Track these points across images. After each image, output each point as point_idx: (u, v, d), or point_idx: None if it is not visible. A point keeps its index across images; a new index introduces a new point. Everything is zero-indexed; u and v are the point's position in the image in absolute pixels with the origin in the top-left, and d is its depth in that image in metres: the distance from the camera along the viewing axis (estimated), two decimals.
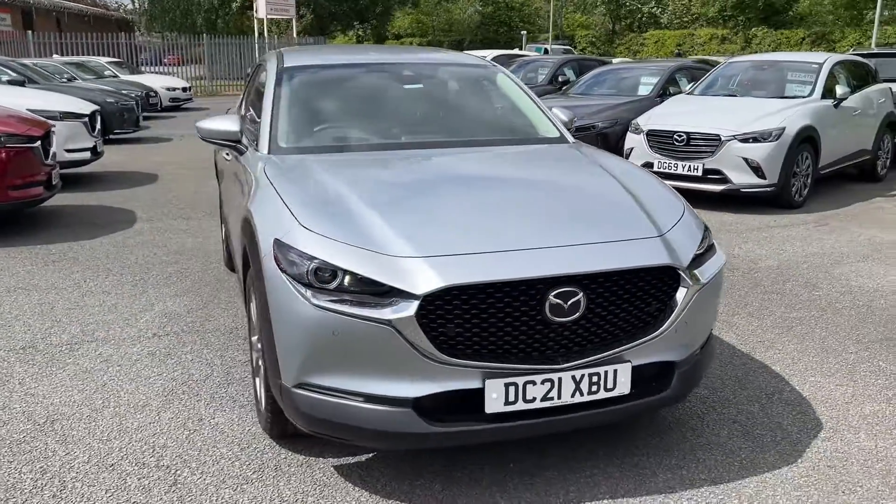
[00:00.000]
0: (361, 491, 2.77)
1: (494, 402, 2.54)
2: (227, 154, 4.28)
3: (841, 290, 5.17)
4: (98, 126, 9.37)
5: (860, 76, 9.30)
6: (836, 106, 8.36)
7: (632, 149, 8.28)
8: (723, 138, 7.58)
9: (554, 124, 4.12)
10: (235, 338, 4.24)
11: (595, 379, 2.62)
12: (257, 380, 3.22)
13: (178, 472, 2.89)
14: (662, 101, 9.45)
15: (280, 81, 3.92)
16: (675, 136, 7.86)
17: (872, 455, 3.05)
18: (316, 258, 2.56)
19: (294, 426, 2.86)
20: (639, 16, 47.86)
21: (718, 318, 4.27)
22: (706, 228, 3.07)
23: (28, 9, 34.58)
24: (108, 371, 3.80)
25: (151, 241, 6.46)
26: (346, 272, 2.53)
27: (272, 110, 3.73)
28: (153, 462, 2.95)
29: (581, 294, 2.54)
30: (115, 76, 18.67)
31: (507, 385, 2.54)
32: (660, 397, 2.82)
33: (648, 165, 7.93)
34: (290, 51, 4.51)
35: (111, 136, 11.99)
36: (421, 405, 2.53)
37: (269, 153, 3.52)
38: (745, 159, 7.52)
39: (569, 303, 2.53)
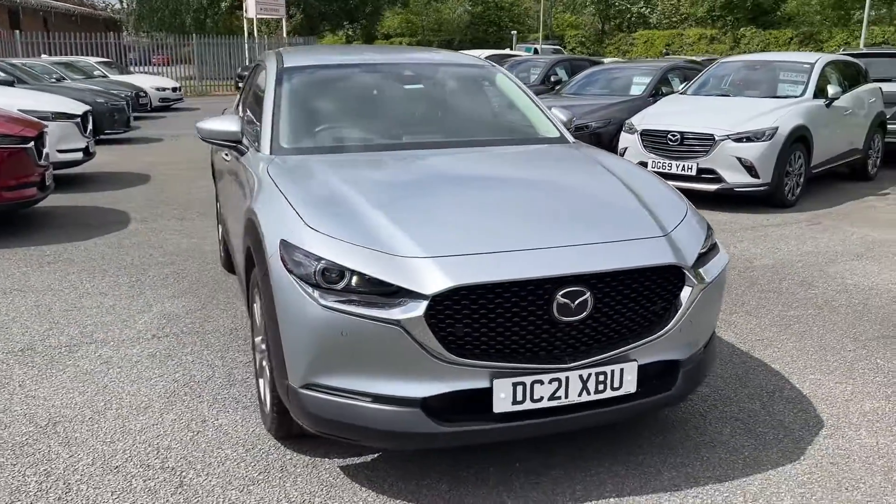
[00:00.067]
0: (368, 491, 2.77)
1: (502, 401, 2.55)
2: (227, 154, 4.26)
3: (836, 288, 5.21)
4: (90, 126, 9.32)
5: (851, 76, 9.37)
6: (827, 106, 8.42)
7: (626, 148, 8.31)
8: (716, 138, 7.63)
9: (554, 124, 4.13)
10: (235, 339, 4.23)
11: (602, 378, 2.64)
12: (261, 381, 3.21)
13: (184, 473, 2.88)
14: (655, 101, 9.49)
15: (280, 81, 3.91)
16: (669, 136, 7.90)
17: (874, 452, 3.08)
18: (323, 258, 2.56)
19: (299, 427, 2.86)
20: (628, 16, 48.02)
21: None
22: (709, 227, 3.10)
23: (15, 8, 34.36)
24: (109, 373, 3.78)
25: (146, 241, 6.43)
26: (353, 272, 2.53)
27: (273, 111, 3.72)
28: (158, 464, 2.94)
29: (588, 294, 2.56)
30: (105, 76, 18.55)
31: (514, 385, 2.54)
32: (665, 396, 2.84)
33: (642, 165, 7.95)
34: (289, 51, 4.50)
35: (102, 137, 11.92)
36: (429, 405, 2.54)
37: (271, 153, 3.52)
38: (739, 159, 7.57)
39: (576, 302, 2.54)
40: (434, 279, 2.46)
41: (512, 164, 3.73)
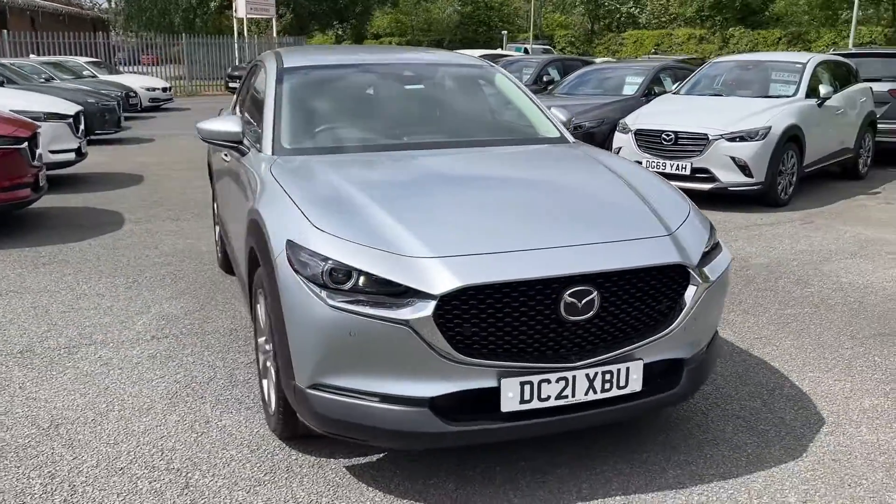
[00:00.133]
0: (375, 491, 2.78)
1: (510, 400, 2.55)
2: (226, 155, 4.25)
3: (832, 286, 5.26)
4: (82, 127, 9.26)
5: (842, 76, 9.44)
6: (819, 105, 8.48)
7: (620, 148, 8.34)
8: (710, 137, 7.67)
9: (553, 124, 4.14)
10: (236, 340, 4.22)
11: (608, 377, 2.65)
12: (265, 381, 3.21)
13: (189, 474, 2.87)
14: (648, 101, 9.53)
15: (281, 81, 3.90)
16: (663, 136, 7.93)
17: (875, 448, 3.11)
18: (330, 259, 2.57)
19: (304, 427, 2.86)
20: (617, 16, 48.17)
21: None
22: (712, 226, 3.12)
23: (2, 8, 34.07)
24: (110, 374, 3.77)
25: (142, 242, 6.40)
26: (361, 272, 2.53)
27: (275, 111, 3.71)
28: (163, 465, 2.93)
29: (595, 293, 2.57)
30: (94, 76, 18.43)
31: (522, 384, 2.55)
32: (670, 394, 2.85)
33: None
34: (288, 51, 4.49)
35: (92, 137, 11.83)
36: (437, 405, 2.55)
37: (273, 154, 3.51)
38: (733, 158, 7.61)
39: (583, 302, 2.56)
40: (442, 279, 2.46)
41: (515, 164, 3.74)
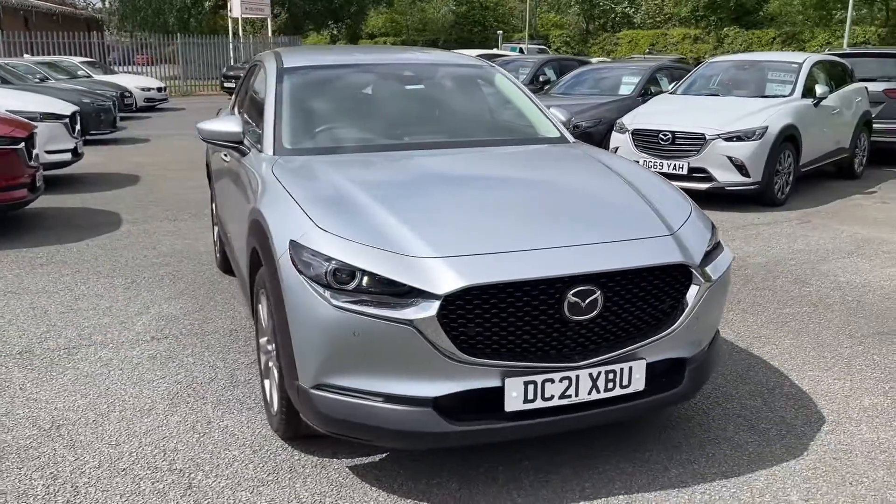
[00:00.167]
0: (378, 491, 2.78)
1: (514, 400, 2.56)
2: (226, 155, 4.25)
3: (830, 286, 5.28)
4: (78, 127, 9.24)
5: (838, 76, 9.48)
6: (815, 105, 8.51)
7: (617, 148, 8.36)
8: (707, 137, 7.69)
9: (553, 124, 4.15)
10: (236, 340, 4.22)
11: (611, 376, 2.66)
12: (267, 381, 3.21)
13: (192, 475, 2.87)
14: (644, 101, 9.56)
15: (281, 81, 3.90)
16: (660, 136, 7.95)
17: (875, 447, 3.12)
18: (334, 259, 2.57)
19: (306, 427, 2.86)
20: (612, 16, 48.30)
21: None
22: (713, 226, 3.13)
23: None
24: (110, 375, 3.76)
25: (139, 243, 6.39)
26: (364, 273, 2.53)
27: (275, 111, 3.71)
28: (166, 466, 2.93)
29: (598, 292, 2.58)
30: (89, 76, 18.38)
31: (526, 383, 2.56)
32: (672, 394, 2.86)
33: None
34: (287, 51, 4.49)
35: (88, 137, 11.77)
36: (440, 404, 2.55)
37: (274, 154, 3.51)
38: (730, 158, 7.64)
39: (586, 301, 2.56)
40: (446, 279, 2.47)
41: (516, 164, 3.75)
